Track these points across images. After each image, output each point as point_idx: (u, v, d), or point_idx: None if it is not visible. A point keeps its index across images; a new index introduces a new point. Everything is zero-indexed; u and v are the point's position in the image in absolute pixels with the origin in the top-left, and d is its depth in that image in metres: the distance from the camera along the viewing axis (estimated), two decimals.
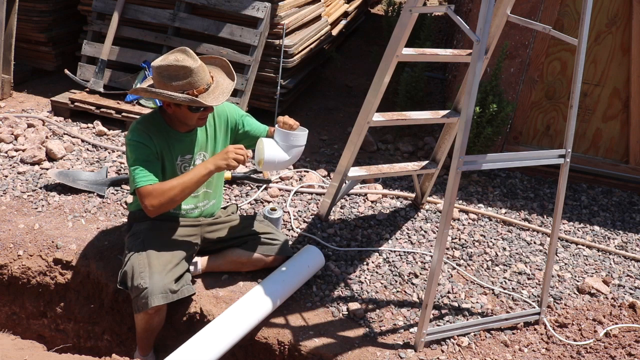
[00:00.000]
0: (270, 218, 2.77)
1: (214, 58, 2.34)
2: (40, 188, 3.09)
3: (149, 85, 2.19)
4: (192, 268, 2.48)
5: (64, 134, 3.70)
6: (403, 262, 2.81)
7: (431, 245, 2.95)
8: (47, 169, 3.27)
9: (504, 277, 2.79)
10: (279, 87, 4.03)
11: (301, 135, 2.31)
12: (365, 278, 2.67)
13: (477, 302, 2.59)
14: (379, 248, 2.88)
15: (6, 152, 3.40)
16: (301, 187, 3.35)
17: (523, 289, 2.72)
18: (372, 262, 2.78)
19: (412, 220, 3.15)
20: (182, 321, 2.44)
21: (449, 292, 2.65)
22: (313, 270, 2.56)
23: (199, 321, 2.40)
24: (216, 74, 2.27)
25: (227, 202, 3.08)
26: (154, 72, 2.13)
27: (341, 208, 3.20)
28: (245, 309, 2.26)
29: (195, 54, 2.16)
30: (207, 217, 2.53)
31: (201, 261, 2.53)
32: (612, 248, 3.11)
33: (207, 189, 2.48)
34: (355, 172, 2.86)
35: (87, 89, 4.06)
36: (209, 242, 2.52)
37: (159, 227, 2.35)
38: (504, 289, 2.71)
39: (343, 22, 5.96)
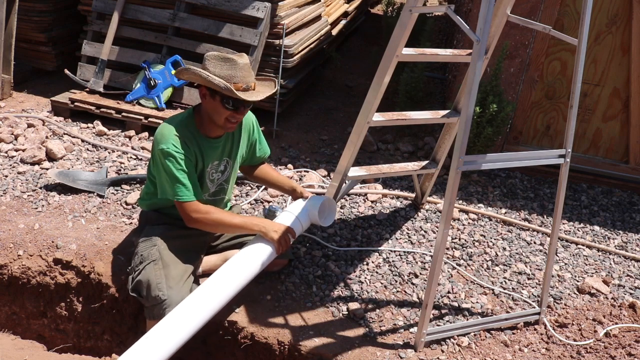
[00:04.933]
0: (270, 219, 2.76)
1: (264, 76, 2.44)
2: (40, 188, 3.09)
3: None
4: None
5: (64, 134, 3.70)
6: (403, 262, 2.81)
7: (431, 245, 2.95)
8: (47, 169, 3.27)
9: (504, 277, 2.79)
10: (278, 87, 4.02)
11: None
12: (365, 278, 2.67)
13: (477, 302, 2.59)
14: (379, 248, 2.88)
15: (6, 152, 3.40)
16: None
17: (523, 289, 2.72)
18: (372, 262, 2.78)
19: (412, 220, 3.15)
20: None
21: (449, 292, 2.64)
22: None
23: None
24: (259, 85, 2.28)
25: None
26: (203, 61, 2.17)
27: (341, 208, 3.20)
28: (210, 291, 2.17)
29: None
30: None
31: (202, 262, 2.53)
32: (612, 248, 3.11)
33: (223, 196, 2.49)
34: (355, 172, 2.85)
35: (87, 89, 4.06)
36: (212, 245, 2.52)
37: (173, 234, 2.34)
38: (504, 289, 2.71)
39: (343, 22, 5.96)
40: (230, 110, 2.16)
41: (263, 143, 2.58)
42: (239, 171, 2.56)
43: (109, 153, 3.55)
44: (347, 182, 2.98)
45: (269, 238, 2.27)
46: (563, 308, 2.62)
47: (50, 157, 3.39)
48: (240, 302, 2.46)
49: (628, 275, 2.91)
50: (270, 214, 2.78)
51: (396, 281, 2.68)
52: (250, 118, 2.47)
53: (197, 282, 2.33)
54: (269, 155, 2.64)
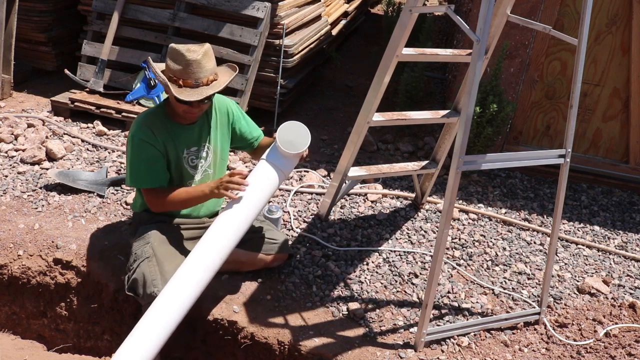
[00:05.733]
0: (270, 218, 2.77)
1: (234, 66, 2.37)
2: (40, 188, 3.09)
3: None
4: None
5: (64, 133, 3.70)
6: (403, 262, 2.81)
7: (431, 245, 2.95)
8: (47, 169, 3.27)
9: (504, 277, 2.79)
10: (278, 87, 4.03)
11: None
12: (365, 278, 2.67)
13: (477, 302, 2.59)
14: (379, 248, 2.88)
15: (6, 152, 3.40)
16: (301, 187, 3.35)
17: (523, 289, 2.72)
18: (372, 262, 2.78)
19: (412, 220, 3.15)
20: (182, 321, 2.44)
21: (449, 292, 2.64)
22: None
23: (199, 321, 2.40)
24: (222, 74, 2.27)
25: (228, 202, 3.08)
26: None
27: (341, 208, 3.20)
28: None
29: None
30: (211, 218, 2.53)
31: None
32: (612, 248, 3.11)
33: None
34: (355, 172, 2.86)
35: (87, 89, 4.05)
36: None
37: (166, 231, 2.35)
38: (504, 289, 2.71)
39: (343, 22, 5.96)
40: (182, 104, 2.17)
41: (251, 125, 2.55)
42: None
43: (109, 153, 3.55)
44: (347, 182, 2.98)
45: (214, 197, 2.24)
46: (563, 308, 2.62)
47: (50, 157, 3.39)
48: (240, 302, 2.46)
49: (628, 275, 2.91)
50: (269, 214, 2.78)
51: (396, 281, 2.68)
52: (225, 103, 2.46)
53: None
54: (263, 136, 2.58)
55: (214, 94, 2.23)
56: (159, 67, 2.22)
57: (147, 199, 2.29)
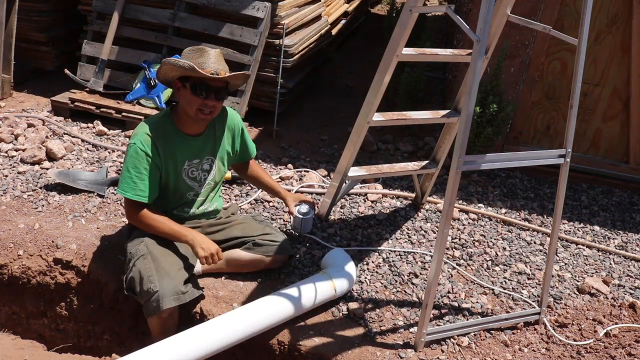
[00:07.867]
0: (304, 219, 2.78)
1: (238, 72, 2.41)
2: (40, 188, 3.09)
3: None
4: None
5: (64, 133, 3.70)
6: (403, 262, 2.81)
7: (431, 245, 2.95)
8: (47, 169, 3.27)
9: (504, 277, 2.79)
10: (278, 87, 4.03)
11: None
12: (365, 278, 2.67)
13: (477, 302, 2.59)
14: (379, 248, 2.88)
15: (6, 152, 3.40)
16: (301, 187, 3.35)
17: (523, 289, 2.72)
18: (372, 262, 2.78)
19: (412, 220, 3.15)
20: (182, 321, 2.44)
21: (449, 292, 2.64)
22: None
23: (199, 321, 2.40)
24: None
25: (228, 202, 3.08)
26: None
27: (341, 208, 3.20)
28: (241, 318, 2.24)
29: None
30: (209, 219, 2.53)
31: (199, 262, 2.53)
32: (612, 248, 3.11)
33: (211, 192, 2.49)
34: (355, 172, 2.86)
35: (87, 89, 4.06)
36: None
37: None
38: (504, 289, 2.71)
39: (343, 22, 5.96)
40: (200, 97, 2.17)
41: (250, 144, 2.61)
42: (234, 172, 2.55)
43: (109, 153, 3.55)
44: (347, 182, 2.98)
45: (195, 252, 2.28)
46: (563, 308, 2.62)
47: (50, 157, 3.39)
48: (240, 302, 2.46)
49: (628, 275, 2.91)
50: (301, 219, 2.81)
51: (396, 281, 2.68)
52: (234, 118, 2.48)
53: (194, 279, 2.33)
54: (254, 155, 2.67)
55: (230, 84, 2.29)
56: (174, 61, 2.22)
57: (126, 209, 2.30)
